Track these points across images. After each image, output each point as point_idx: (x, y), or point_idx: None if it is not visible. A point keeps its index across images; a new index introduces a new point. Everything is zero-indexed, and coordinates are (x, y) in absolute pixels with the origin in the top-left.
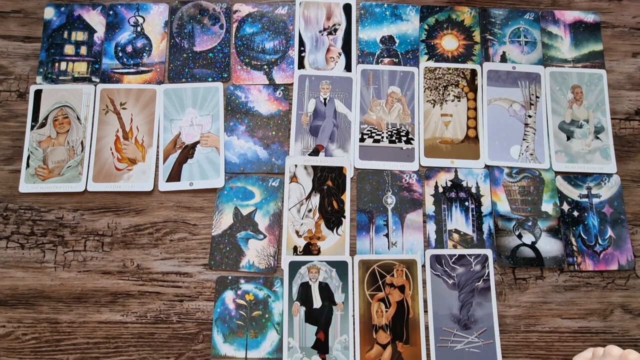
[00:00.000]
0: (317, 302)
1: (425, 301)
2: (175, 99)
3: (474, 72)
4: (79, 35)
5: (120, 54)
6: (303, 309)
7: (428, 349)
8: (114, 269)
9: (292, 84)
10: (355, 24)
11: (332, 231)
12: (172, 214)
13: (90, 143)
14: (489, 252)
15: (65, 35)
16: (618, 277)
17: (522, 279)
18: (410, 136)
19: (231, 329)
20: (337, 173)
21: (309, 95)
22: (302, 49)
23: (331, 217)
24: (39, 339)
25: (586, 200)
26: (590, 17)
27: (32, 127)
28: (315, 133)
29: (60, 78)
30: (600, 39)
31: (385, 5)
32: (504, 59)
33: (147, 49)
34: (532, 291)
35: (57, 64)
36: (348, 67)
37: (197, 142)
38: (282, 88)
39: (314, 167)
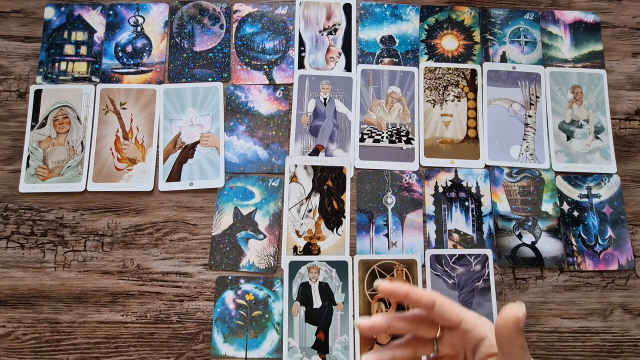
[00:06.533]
0: (317, 302)
1: None
2: (175, 99)
3: (474, 72)
4: (79, 35)
5: (120, 54)
6: (303, 309)
7: None
8: (114, 269)
9: (292, 84)
10: (355, 24)
11: (332, 231)
12: (172, 214)
13: (90, 143)
14: (489, 252)
15: (65, 35)
16: (618, 277)
17: (522, 279)
18: (410, 136)
19: (231, 329)
20: (337, 173)
21: (309, 95)
22: (302, 49)
23: (331, 217)
24: (39, 339)
25: (586, 200)
26: (590, 17)
27: (32, 127)
28: (315, 133)
29: (60, 78)
30: (600, 39)
31: (385, 5)
32: (504, 59)
33: (147, 49)
34: (532, 291)
35: (57, 64)
36: (348, 67)
37: (197, 142)
38: (282, 88)
39: (314, 167)
